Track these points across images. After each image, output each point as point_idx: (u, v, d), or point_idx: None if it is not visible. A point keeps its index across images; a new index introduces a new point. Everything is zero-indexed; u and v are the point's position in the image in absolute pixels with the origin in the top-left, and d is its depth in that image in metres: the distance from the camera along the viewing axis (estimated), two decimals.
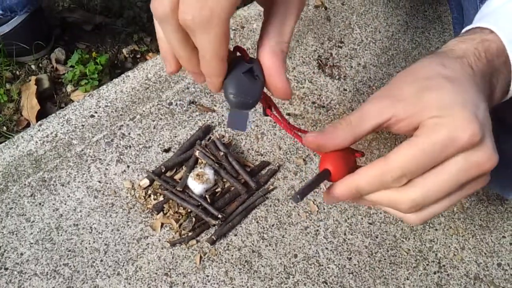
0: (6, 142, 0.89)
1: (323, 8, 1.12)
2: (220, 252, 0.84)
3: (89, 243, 0.82)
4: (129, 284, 0.80)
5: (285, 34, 0.46)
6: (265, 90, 0.48)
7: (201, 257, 0.83)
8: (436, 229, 0.92)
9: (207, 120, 0.94)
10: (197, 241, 0.84)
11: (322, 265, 0.85)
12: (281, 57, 0.46)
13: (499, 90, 0.54)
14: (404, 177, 0.46)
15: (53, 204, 0.85)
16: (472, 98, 0.47)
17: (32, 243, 0.81)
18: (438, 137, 0.45)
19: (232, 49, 0.49)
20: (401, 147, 0.46)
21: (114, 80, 0.98)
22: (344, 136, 0.48)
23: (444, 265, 0.89)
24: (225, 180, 0.88)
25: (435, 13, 1.17)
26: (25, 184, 0.85)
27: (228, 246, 0.85)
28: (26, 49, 1.13)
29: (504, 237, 0.93)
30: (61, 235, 0.82)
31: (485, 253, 0.91)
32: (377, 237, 0.89)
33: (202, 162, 0.88)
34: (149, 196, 0.86)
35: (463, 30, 0.58)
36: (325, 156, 0.49)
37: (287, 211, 0.89)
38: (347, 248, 0.88)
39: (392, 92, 0.49)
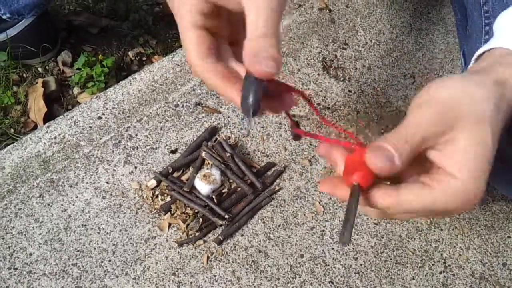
0: (15, 144, 0.90)
1: (327, 11, 1.13)
2: (227, 252, 0.85)
3: (98, 243, 0.83)
4: (137, 284, 0.80)
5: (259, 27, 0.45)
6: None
7: (208, 257, 0.84)
8: (442, 229, 0.92)
9: (213, 122, 0.95)
10: (204, 241, 0.85)
11: (329, 265, 0.86)
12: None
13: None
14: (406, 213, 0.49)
15: (62, 204, 0.85)
16: (488, 162, 0.47)
17: (40, 244, 0.82)
18: (448, 202, 0.47)
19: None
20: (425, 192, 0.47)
21: (121, 82, 0.99)
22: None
23: (449, 265, 0.89)
24: (231, 181, 0.89)
25: (438, 15, 1.18)
26: (33, 185, 0.86)
27: (235, 246, 0.85)
28: (33, 52, 1.14)
29: (509, 237, 0.94)
30: (69, 235, 0.83)
31: (490, 253, 0.92)
32: (383, 237, 0.90)
33: (208, 163, 0.89)
34: (157, 196, 0.87)
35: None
36: (351, 166, 0.47)
37: (293, 211, 0.90)
38: (353, 248, 0.88)
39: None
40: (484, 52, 0.59)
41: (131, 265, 0.82)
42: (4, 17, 1.06)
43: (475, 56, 0.61)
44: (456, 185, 0.46)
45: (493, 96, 0.49)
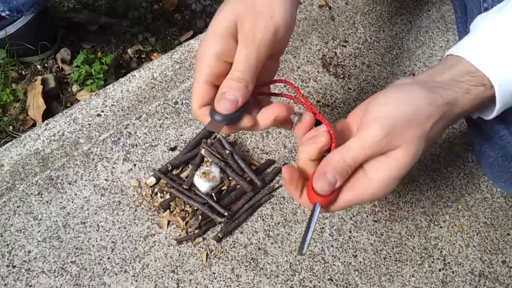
0: (14, 141, 0.90)
1: (327, 8, 1.13)
2: (226, 250, 0.85)
3: (96, 241, 0.83)
4: (136, 281, 0.80)
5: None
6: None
7: (207, 254, 0.84)
8: (441, 227, 0.92)
9: None
10: (204, 239, 0.85)
11: (328, 263, 0.86)
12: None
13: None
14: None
15: (60, 202, 0.85)
16: (407, 170, 0.55)
17: (39, 241, 0.82)
18: (363, 198, 0.57)
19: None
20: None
21: (120, 79, 0.98)
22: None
23: (449, 263, 0.89)
24: (231, 178, 0.88)
25: (438, 12, 1.17)
26: (32, 183, 0.86)
27: (234, 244, 0.85)
28: (32, 49, 1.14)
29: (508, 234, 0.94)
30: (68, 233, 0.83)
31: (489, 251, 0.92)
32: (382, 235, 0.90)
33: (208, 160, 0.88)
34: (156, 194, 0.87)
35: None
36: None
37: (293, 209, 0.89)
38: (353, 246, 0.88)
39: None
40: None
41: (130, 263, 0.82)
42: (3, 14, 1.05)
43: (448, 53, 0.63)
44: (369, 187, 0.55)
45: (437, 115, 0.55)
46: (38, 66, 1.18)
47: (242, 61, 0.56)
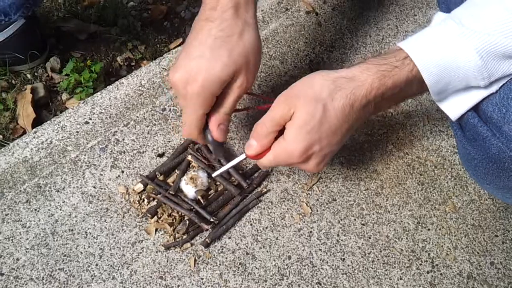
0: (2, 149, 0.90)
1: (314, 14, 1.14)
2: (214, 255, 0.85)
3: (84, 248, 0.83)
4: (124, 287, 0.80)
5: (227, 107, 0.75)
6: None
7: (195, 260, 0.84)
8: (429, 229, 0.92)
9: None
10: (192, 244, 0.85)
11: (316, 266, 0.86)
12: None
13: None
14: None
15: (49, 210, 0.85)
16: (312, 128, 0.68)
17: (28, 249, 0.82)
18: (280, 155, 0.72)
19: None
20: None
21: (108, 87, 0.99)
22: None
23: (437, 265, 0.90)
24: (218, 183, 0.89)
25: (424, 17, 1.19)
26: (20, 191, 0.86)
27: (222, 249, 0.86)
28: (22, 58, 1.14)
29: (496, 236, 0.94)
30: (56, 240, 0.83)
31: (477, 252, 0.92)
32: (370, 238, 0.90)
33: (195, 166, 0.89)
34: (143, 200, 0.87)
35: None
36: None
37: (281, 213, 0.90)
38: (341, 249, 0.88)
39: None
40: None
41: (118, 269, 0.82)
42: None
43: (399, 46, 0.69)
44: (282, 144, 0.70)
45: (330, 85, 0.68)
46: (28, 75, 1.18)
47: (231, 99, 0.75)
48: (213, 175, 0.81)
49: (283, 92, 0.71)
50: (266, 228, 0.88)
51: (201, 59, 0.70)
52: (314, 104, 0.67)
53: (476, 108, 0.72)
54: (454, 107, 0.72)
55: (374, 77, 0.67)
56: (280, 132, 0.71)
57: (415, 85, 0.68)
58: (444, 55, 0.65)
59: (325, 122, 0.68)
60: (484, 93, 0.69)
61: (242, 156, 0.75)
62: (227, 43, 0.71)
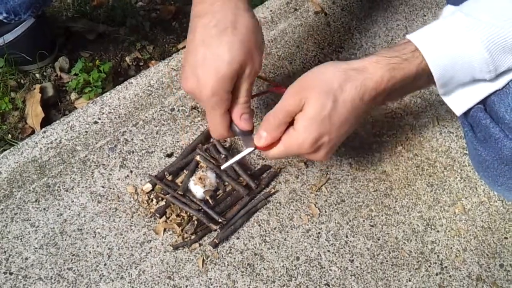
0: (11, 149, 0.90)
1: (323, 14, 1.14)
2: (222, 255, 0.85)
3: (93, 247, 0.83)
4: (133, 287, 0.81)
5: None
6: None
7: (203, 260, 0.84)
8: (438, 231, 0.92)
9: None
10: (200, 245, 0.85)
11: (324, 268, 0.86)
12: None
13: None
14: None
15: (57, 209, 0.86)
16: (323, 120, 0.69)
17: (36, 248, 0.82)
18: (292, 146, 0.73)
19: None
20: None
21: (117, 87, 0.99)
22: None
23: (446, 267, 0.89)
24: (226, 183, 0.89)
25: (434, 17, 1.18)
26: (29, 190, 0.87)
27: (231, 249, 0.85)
28: (30, 58, 1.15)
29: (506, 238, 0.93)
30: (65, 239, 0.83)
31: (487, 254, 0.91)
32: (379, 239, 0.90)
33: (203, 166, 0.89)
34: (152, 200, 0.87)
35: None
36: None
37: (289, 214, 0.90)
38: (349, 251, 0.88)
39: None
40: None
41: (126, 269, 0.82)
42: (0, 17, 1.06)
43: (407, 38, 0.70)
44: (293, 135, 0.71)
45: (341, 76, 0.68)
46: (37, 75, 1.19)
47: (247, 89, 0.76)
48: (222, 167, 0.81)
49: (294, 83, 0.72)
50: (275, 228, 0.88)
51: (204, 64, 0.71)
52: (325, 96, 0.68)
53: (488, 109, 0.71)
54: (460, 101, 0.73)
55: (385, 69, 0.68)
56: (289, 123, 0.72)
57: (424, 77, 0.69)
58: (451, 47, 0.66)
59: (335, 113, 0.69)
60: (489, 88, 0.69)
61: (251, 148, 0.76)
62: (223, 39, 0.71)
